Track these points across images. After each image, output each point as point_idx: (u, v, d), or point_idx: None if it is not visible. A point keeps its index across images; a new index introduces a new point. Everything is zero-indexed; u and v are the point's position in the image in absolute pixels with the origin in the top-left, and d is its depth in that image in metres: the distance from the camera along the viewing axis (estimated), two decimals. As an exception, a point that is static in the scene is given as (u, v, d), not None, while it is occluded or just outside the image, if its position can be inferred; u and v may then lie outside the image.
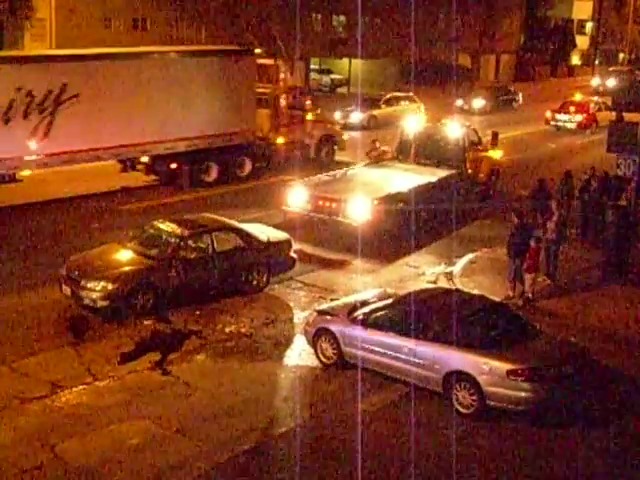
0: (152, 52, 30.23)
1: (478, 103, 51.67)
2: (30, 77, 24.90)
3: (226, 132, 30.17)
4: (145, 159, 29.06)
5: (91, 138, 26.36)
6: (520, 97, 55.24)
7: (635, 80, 55.97)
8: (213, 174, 29.96)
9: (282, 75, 33.60)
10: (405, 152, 27.66)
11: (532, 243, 18.96)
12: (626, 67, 70.63)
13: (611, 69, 68.88)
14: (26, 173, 26.04)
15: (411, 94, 47.76)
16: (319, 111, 35.81)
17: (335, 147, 34.77)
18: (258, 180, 30.74)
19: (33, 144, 25.31)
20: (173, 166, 29.17)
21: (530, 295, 19.09)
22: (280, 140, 32.62)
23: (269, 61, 33.69)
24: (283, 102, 32.70)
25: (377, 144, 29.21)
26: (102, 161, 27.86)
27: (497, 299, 17.14)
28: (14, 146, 24.92)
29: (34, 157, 25.46)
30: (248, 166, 31.06)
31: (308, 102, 34.46)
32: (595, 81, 64.87)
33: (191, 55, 30.36)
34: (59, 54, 28.72)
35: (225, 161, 30.24)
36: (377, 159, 27.97)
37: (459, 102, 51.17)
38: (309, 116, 33.87)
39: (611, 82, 61.54)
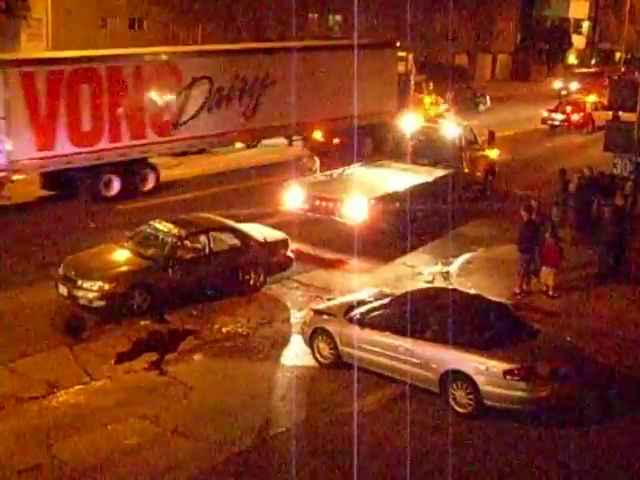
0: (331, 46, 36.34)
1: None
2: (244, 66, 30.94)
3: (377, 112, 35.17)
4: (318, 135, 33.73)
5: (283, 116, 31.69)
6: (488, 100, 54.06)
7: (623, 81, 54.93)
8: (369, 148, 33.74)
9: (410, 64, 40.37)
10: (401, 151, 27.66)
11: (547, 238, 19.35)
12: (594, 69, 69.37)
13: (576, 71, 67.40)
14: (239, 145, 32.79)
15: None
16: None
17: None
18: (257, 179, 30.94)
19: (244, 121, 31.07)
20: (336, 141, 33.48)
21: (551, 292, 19.33)
22: None
23: (402, 53, 39.07)
24: (412, 87, 38.88)
25: (312, 155, 27.89)
26: (286, 136, 33.87)
27: (495, 298, 17.11)
28: (232, 122, 30.75)
29: (246, 130, 31.46)
30: (392, 142, 33.58)
31: (431, 87, 42.19)
32: (557, 84, 62.27)
33: (358, 48, 34.86)
34: (263, 47, 35.07)
35: (377, 137, 34.23)
36: (305, 171, 26.56)
37: None
38: (427, 99, 41.12)
39: (574, 85, 59.03)
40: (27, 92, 25.39)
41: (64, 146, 26.24)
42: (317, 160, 26.80)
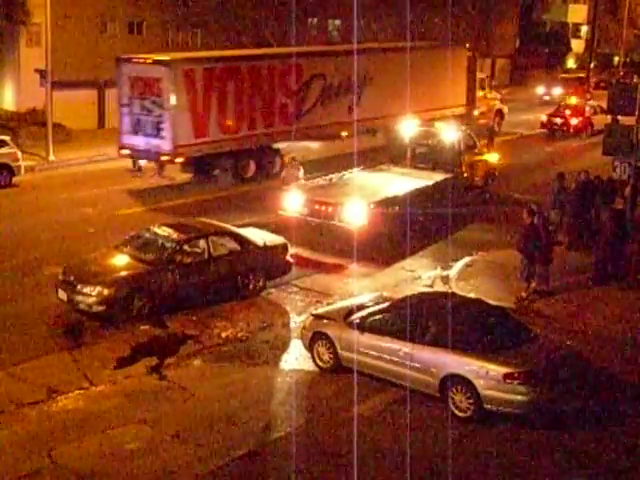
0: (415, 47, 39.52)
1: None
2: (346, 67, 34.95)
3: (450, 106, 40.25)
4: None
5: (377, 110, 35.87)
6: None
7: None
8: None
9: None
10: (400, 156, 27.69)
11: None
12: (581, 73, 69.00)
13: (561, 76, 66.76)
14: (344, 134, 35.01)
15: None
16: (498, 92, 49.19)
17: (501, 121, 46.09)
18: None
19: (349, 112, 35.23)
20: None
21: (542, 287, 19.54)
22: (476, 112, 43.07)
23: (469, 53, 43.32)
24: (477, 83, 43.55)
25: (296, 163, 27.59)
26: (373, 128, 36.58)
27: (495, 302, 17.11)
28: (340, 113, 35.02)
29: (350, 122, 34.43)
30: None
31: (494, 83, 48.65)
32: (540, 89, 61.24)
33: (435, 49, 42.02)
34: (364, 48, 39.41)
35: None
36: (288, 180, 26.29)
37: None
38: (488, 94, 46.01)
39: (557, 91, 58.36)
40: (188, 87, 29.53)
41: (215, 133, 30.47)
42: (301, 168, 26.83)
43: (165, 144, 29.38)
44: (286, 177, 26.58)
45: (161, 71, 29.33)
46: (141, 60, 30.59)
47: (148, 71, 29.80)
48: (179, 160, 30.01)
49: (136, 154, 31.01)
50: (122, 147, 30.90)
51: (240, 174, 31.35)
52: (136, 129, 30.06)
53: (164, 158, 29.88)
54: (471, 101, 42.78)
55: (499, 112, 46.43)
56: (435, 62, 39.79)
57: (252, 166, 31.61)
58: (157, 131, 29.49)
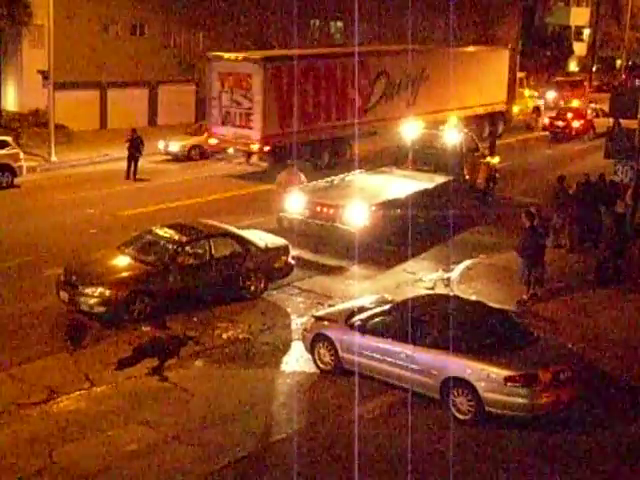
0: (465, 48, 44.87)
1: None
2: (407, 64, 38.00)
3: (494, 102, 44.12)
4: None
5: (431, 105, 39.05)
6: None
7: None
8: (487, 131, 41.07)
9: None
10: (402, 158, 27.72)
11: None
12: (578, 76, 68.77)
13: (556, 79, 66.59)
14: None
15: None
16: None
17: (538, 117, 48.95)
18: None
19: (407, 107, 38.23)
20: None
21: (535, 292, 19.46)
22: (514, 109, 47.62)
23: (510, 53, 47.12)
24: (516, 82, 47.78)
25: (295, 169, 26.35)
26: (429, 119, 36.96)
27: (496, 304, 17.10)
28: (399, 108, 37.79)
29: (408, 115, 35.34)
30: (501, 126, 43.75)
31: (532, 83, 53.66)
32: (534, 93, 59.69)
33: (482, 50, 45.83)
34: (424, 48, 43.28)
35: (493, 121, 42.29)
36: (285, 184, 25.37)
37: None
38: (526, 92, 51.24)
39: (551, 95, 57.99)
40: (275, 82, 32.33)
41: (297, 124, 32.79)
42: (302, 174, 26.22)
43: (254, 134, 32.19)
44: (282, 181, 25.82)
45: (252, 67, 32.15)
46: (232, 57, 33.46)
47: (238, 67, 32.71)
48: (266, 149, 32.41)
49: (225, 143, 33.75)
50: (211, 136, 33.95)
51: (316, 163, 33.59)
52: (225, 120, 32.85)
53: (253, 147, 32.52)
54: (511, 98, 46.39)
55: (536, 109, 50.15)
56: (481, 62, 43.28)
57: (326, 155, 33.93)
58: (246, 122, 32.30)
